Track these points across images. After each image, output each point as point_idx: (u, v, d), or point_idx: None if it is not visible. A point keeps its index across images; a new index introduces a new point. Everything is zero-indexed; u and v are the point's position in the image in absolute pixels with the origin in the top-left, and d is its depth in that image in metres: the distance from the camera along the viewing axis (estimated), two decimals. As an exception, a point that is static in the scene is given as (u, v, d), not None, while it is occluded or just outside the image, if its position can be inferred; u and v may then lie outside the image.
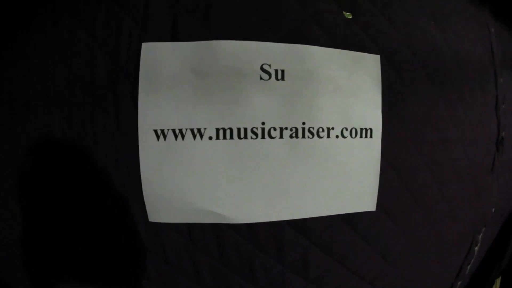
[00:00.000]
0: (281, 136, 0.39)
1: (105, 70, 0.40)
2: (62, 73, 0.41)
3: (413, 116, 0.44)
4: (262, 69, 0.39)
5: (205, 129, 0.38)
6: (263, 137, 0.39)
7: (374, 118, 0.42)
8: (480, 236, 0.57)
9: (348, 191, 0.42)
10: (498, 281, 0.68)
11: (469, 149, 0.50)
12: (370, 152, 0.42)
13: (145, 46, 0.39)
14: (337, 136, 0.40)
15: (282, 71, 0.39)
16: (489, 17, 0.57)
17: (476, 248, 0.57)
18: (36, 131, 0.41)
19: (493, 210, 0.57)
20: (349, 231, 0.43)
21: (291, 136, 0.39)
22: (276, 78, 0.39)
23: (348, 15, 0.43)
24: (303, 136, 0.39)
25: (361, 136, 0.41)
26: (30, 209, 0.43)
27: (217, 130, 0.38)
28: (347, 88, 0.41)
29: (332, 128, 0.40)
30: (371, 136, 0.41)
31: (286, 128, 0.39)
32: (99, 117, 0.40)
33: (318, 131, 0.39)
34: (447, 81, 0.48)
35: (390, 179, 0.44)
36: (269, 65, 0.39)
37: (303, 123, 0.39)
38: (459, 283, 0.58)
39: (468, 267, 0.58)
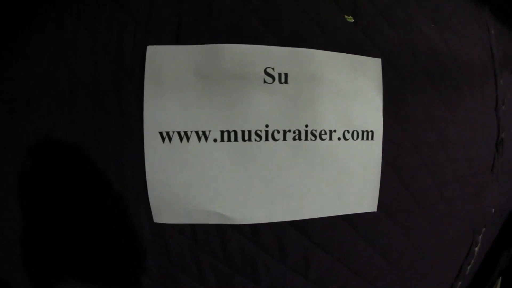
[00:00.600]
0: (284, 139, 0.39)
1: (108, 71, 0.40)
2: (63, 73, 0.41)
3: (413, 117, 0.45)
4: (265, 72, 0.39)
5: (210, 131, 0.39)
6: (266, 139, 0.39)
7: (375, 120, 0.42)
8: (480, 237, 0.57)
9: (349, 193, 0.42)
10: (498, 281, 0.68)
11: (468, 150, 0.51)
12: (372, 153, 0.42)
13: (150, 49, 0.39)
14: (339, 138, 0.40)
15: (285, 75, 0.39)
16: (489, 18, 0.57)
17: (476, 249, 0.57)
18: (37, 132, 0.42)
19: (493, 210, 0.57)
20: (350, 232, 0.44)
21: (294, 139, 0.39)
22: (280, 82, 0.39)
23: (350, 19, 0.43)
24: (306, 139, 0.39)
25: (362, 138, 0.41)
26: (30, 209, 0.43)
27: (222, 132, 0.38)
28: (348, 91, 0.41)
29: (334, 131, 0.40)
30: (372, 138, 0.42)
31: (289, 131, 0.39)
32: (101, 118, 0.40)
33: (320, 134, 0.40)
34: (447, 82, 0.48)
35: (391, 180, 0.44)
36: (273, 69, 0.39)
37: (306, 126, 0.39)
38: (459, 283, 0.58)
39: (468, 267, 0.58)
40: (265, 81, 0.39)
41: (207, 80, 0.39)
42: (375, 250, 0.46)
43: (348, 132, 0.41)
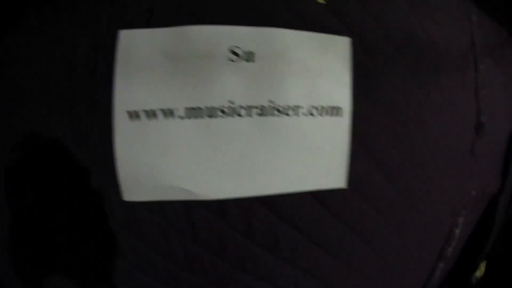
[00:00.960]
0: (249, 115, 0.40)
1: (85, 59, 0.41)
2: (45, 65, 0.42)
3: (386, 97, 0.45)
4: (231, 51, 0.40)
5: (176, 109, 0.39)
6: (231, 115, 0.39)
7: (342, 97, 0.42)
8: (460, 219, 0.56)
9: (316, 168, 0.42)
10: (482, 265, 0.68)
11: (446, 131, 0.51)
12: (339, 129, 0.42)
13: (122, 33, 0.40)
14: (305, 114, 0.41)
15: (252, 53, 0.40)
16: (471, 5, 0.57)
17: (457, 231, 0.57)
18: (20, 126, 0.43)
19: (474, 193, 0.56)
20: (319, 209, 0.44)
21: (259, 114, 0.40)
22: (245, 60, 0.40)
23: (321, 0, 0.43)
24: (271, 114, 0.40)
25: (329, 114, 0.42)
26: (21, 208, 0.44)
27: (187, 109, 0.39)
28: (315, 68, 0.41)
29: (300, 107, 0.41)
30: (339, 115, 0.42)
31: (254, 107, 0.40)
32: (80, 106, 0.41)
33: (286, 109, 0.40)
34: (423, 64, 0.48)
35: (361, 158, 0.44)
36: (239, 48, 0.40)
37: (271, 102, 0.40)
38: (441, 265, 0.58)
39: (450, 249, 0.57)
40: (230, 59, 0.40)
41: (175, 60, 0.40)
42: (348, 228, 0.46)
43: (315, 108, 0.41)
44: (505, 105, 0.65)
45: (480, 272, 0.69)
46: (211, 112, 0.39)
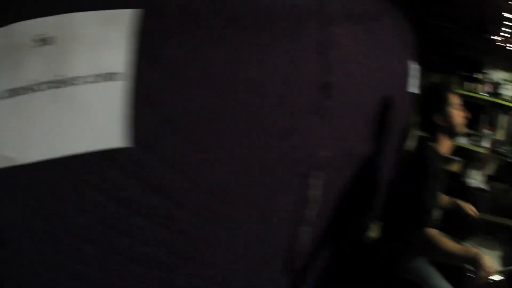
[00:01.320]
0: (47, 88, 0.48)
1: None
2: None
3: (173, 60, 0.49)
4: (35, 39, 0.48)
5: (1, 91, 0.48)
6: (36, 91, 0.48)
7: (118, 63, 0.48)
8: (313, 180, 0.55)
9: (98, 131, 0.48)
10: (377, 226, 0.64)
11: (272, 91, 0.51)
12: (114, 92, 0.48)
13: None
14: (88, 83, 0.48)
15: (54, 38, 0.48)
16: None
17: (314, 193, 0.56)
18: None
19: (323, 154, 0.55)
20: (112, 167, 0.49)
21: (55, 87, 0.48)
22: (46, 44, 0.48)
23: None
24: (62, 87, 0.48)
25: (108, 80, 0.48)
26: None
27: (8, 91, 0.48)
28: (100, 41, 0.48)
29: (84, 76, 0.48)
30: (115, 79, 0.48)
31: (51, 82, 0.48)
32: None
33: (73, 81, 0.47)
34: (236, 25, 0.51)
35: (149, 119, 0.48)
36: (42, 35, 0.48)
37: (61, 76, 0.48)
38: (305, 228, 0.56)
39: (311, 212, 0.56)
40: (34, 46, 0.48)
41: (2, 53, 0.49)
42: (147, 187, 0.49)
43: (96, 76, 0.48)
44: (368, 70, 0.63)
45: (374, 232, 0.64)
46: (24, 91, 0.48)
